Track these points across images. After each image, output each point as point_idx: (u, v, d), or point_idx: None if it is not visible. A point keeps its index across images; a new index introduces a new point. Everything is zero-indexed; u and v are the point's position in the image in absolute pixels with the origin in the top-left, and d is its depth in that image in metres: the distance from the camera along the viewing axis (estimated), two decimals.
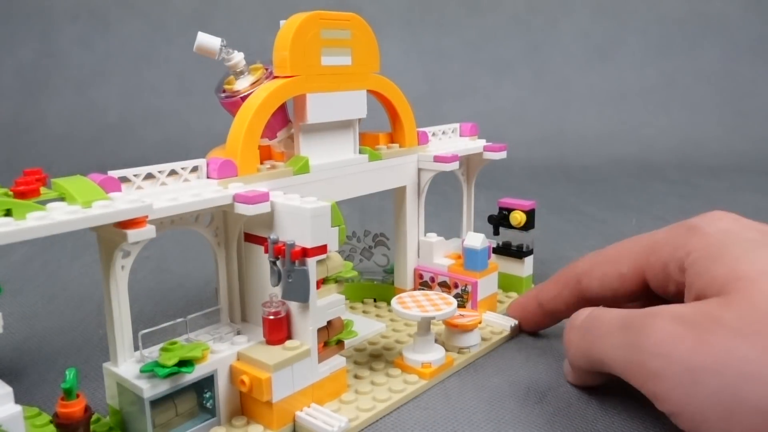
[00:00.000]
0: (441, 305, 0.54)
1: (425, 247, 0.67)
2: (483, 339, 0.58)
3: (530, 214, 0.69)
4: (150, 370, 0.42)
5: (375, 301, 0.69)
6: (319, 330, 0.47)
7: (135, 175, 0.45)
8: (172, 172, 0.47)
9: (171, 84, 1.73)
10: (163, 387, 0.42)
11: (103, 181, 0.42)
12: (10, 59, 1.77)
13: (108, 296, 0.44)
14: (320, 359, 0.48)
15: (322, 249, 0.45)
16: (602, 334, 0.45)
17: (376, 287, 0.69)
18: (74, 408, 0.41)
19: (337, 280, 0.48)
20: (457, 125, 0.72)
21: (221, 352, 0.45)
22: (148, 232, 0.41)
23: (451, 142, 0.71)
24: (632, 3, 1.93)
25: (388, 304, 0.65)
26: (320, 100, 0.55)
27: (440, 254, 0.67)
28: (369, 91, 0.60)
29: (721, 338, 0.38)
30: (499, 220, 0.71)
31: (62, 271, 0.83)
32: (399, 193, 0.65)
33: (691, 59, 1.92)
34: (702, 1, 1.94)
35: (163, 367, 0.42)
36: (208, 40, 0.53)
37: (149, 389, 0.41)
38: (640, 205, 1.21)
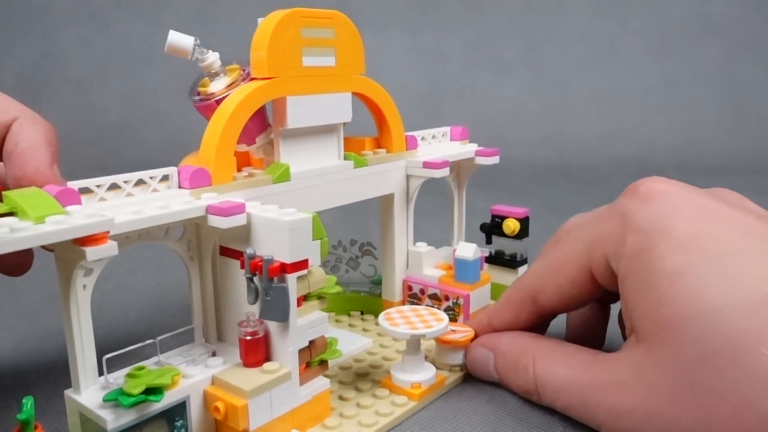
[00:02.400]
0: (431, 321, 0.49)
1: (414, 258, 0.62)
2: None
3: (524, 221, 0.64)
4: (114, 399, 0.37)
5: (362, 314, 0.64)
6: (301, 350, 0.42)
7: (98, 186, 0.40)
8: (140, 182, 0.42)
9: (171, 84, 1.69)
10: (128, 417, 0.37)
11: (60, 194, 0.37)
12: (10, 59, 1.75)
13: (68, 318, 0.39)
14: (301, 382, 0.43)
15: (303, 264, 0.41)
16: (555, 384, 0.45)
17: (363, 299, 0.65)
18: None
19: (319, 297, 0.44)
20: (447, 129, 0.67)
21: (194, 377, 0.41)
22: (109, 249, 0.35)
23: (441, 146, 0.66)
24: (632, 3, 1.91)
25: (376, 317, 0.61)
26: (301, 103, 0.50)
27: (430, 265, 0.62)
28: (354, 94, 0.55)
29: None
30: (492, 228, 0.65)
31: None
32: (386, 201, 0.60)
33: (691, 59, 1.89)
34: (702, 1, 1.91)
35: (128, 395, 0.37)
36: (180, 39, 0.48)
37: (113, 420, 0.37)
38: None
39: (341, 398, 0.47)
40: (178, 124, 1.63)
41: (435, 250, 0.63)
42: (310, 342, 0.43)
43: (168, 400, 0.39)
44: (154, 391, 0.38)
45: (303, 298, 0.42)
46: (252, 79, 0.49)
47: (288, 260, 0.40)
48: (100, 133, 1.66)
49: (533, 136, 1.74)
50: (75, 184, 0.39)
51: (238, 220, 0.41)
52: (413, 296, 0.62)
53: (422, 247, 0.62)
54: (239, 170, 0.49)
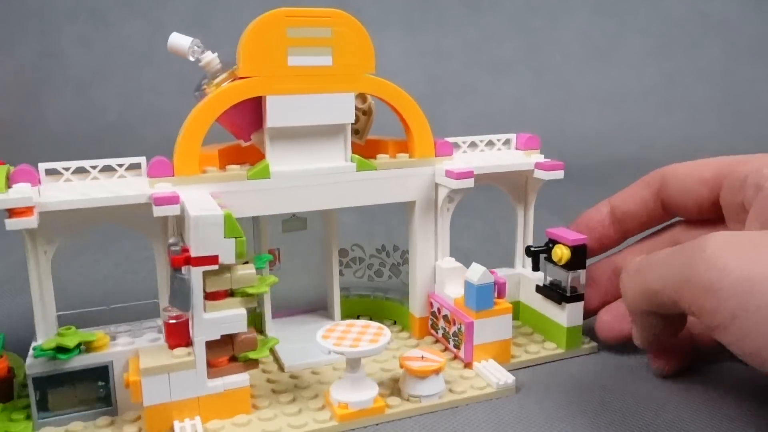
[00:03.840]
0: (364, 339, 0.46)
1: (439, 274, 0.58)
2: (454, 391, 0.50)
3: (577, 250, 0.55)
4: (36, 351, 0.44)
5: (394, 323, 0.63)
6: (222, 344, 0.44)
7: (65, 169, 0.47)
8: (107, 168, 0.48)
9: (171, 84, 1.70)
10: (46, 367, 0.44)
11: (17, 172, 0.45)
12: (10, 59, 1.76)
13: (32, 281, 0.47)
14: (215, 374, 0.45)
15: (211, 260, 0.42)
16: (656, 262, 0.44)
17: (398, 308, 0.63)
18: (2, 365, 0.46)
19: (248, 295, 0.45)
20: (512, 136, 0.61)
21: (120, 346, 0.46)
22: (27, 222, 0.42)
23: (496, 154, 0.60)
24: (632, 3, 1.91)
25: (406, 328, 0.61)
26: (284, 103, 0.51)
27: (457, 283, 0.57)
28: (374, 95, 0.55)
29: None
30: (540, 253, 0.58)
31: (61, 272, 0.82)
32: (409, 209, 0.58)
33: (691, 59, 1.89)
34: (702, 1, 1.91)
35: (42, 350, 0.44)
36: (177, 41, 0.51)
37: (31, 366, 0.44)
38: None
39: (279, 402, 0.48)
40: (178, 123, 1.63)
41: (462, 268, 0.57)
42: (234, 337, 0.45)
43: (86, 361, 0.45)
44: (62, 350, 0.44)
45: (226, 293, 0.44)
46: (239, 78, 0.51)
47: (193, 253, 0.42)
48: (99, 133, 1.67)
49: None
50: (43, 166, 0.46)
51: (170, 210, 0.44)
52: (433, 314, 0.58)
53: (448, 262, 0.58)
54: (242, 164, 0.51)
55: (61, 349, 0.44)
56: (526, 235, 0.63)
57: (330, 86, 0.52)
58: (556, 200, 1.22)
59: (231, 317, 0.44)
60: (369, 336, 0.47)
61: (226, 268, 0.43)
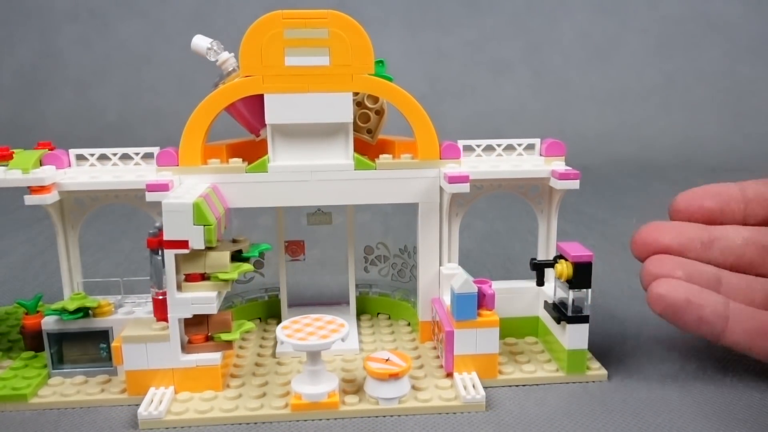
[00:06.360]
0: (318, 333, 0.47)
1: (441, 279, 0.56)
2: (418, 399, 0.48)
3: (581, 268, 0.50)
4: (47, 310, 0.52)
5: (408, 324, 0.62)
6: (198, 323, 0.49)
7: (91, 155, 0.54)
8: (126, 156, 0.54)
9: (171, 84, 1.71)
10: (58, 325, 0.51)
11: (47, 156, 0.52)
12: (9, 59, 1.79)
13: (60, 249, 0.55)
14: (190, 350, 0.49)
15: (181, 244, 0.46)
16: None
17: (411, 310, 0.62)
18: (36, 320, 0.53)
19: (222, 280, 0.48)
20: (535, 141, 0.58)
21: (120, 314, 0.52)
22: (42, 199, 0.50)
23: (506, 160, 0.57)
24: (632, 3, 1.92)
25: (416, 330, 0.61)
26: (282, 101, 0.53)
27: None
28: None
29: None
30: (545, 268, 0.54)
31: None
32: (415, 210, 0.58)
33: (691, 59, 1.90)
34: (702, 1, 1.92)
35: (51, 310, 0.51)
36: (197, 42, 0.55)
37: (46, 323, 0.51)
38: (640, 205, 1.19)
39: (251, 384, 0.50)
40: (178, 124, 1.63)
41: (464, 274, 0.54)
42: (207, 317, 0.49)
43: (90, 324, 0.51)
44: (64, 312, 0.50)
45: (200, 276, 0.48)
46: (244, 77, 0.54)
47: (164, 237, 0.46)
48: (99, 133, 1.70)
49: (533, 136, 1.73)
50: (74, 152, 0.54)
51: (161, 196, 0.48)
52: (433, 319, 0.57)
53: (449, 268, 0.56)
54: (253, 161, 0.55)
55: (65, 311, 0.50)
56: (548, 247, 0.58)
57: (327, 86, 0.53)
58: None
59: (202, 299, 0.47)
60: (325, 331, 0.47)
61: (200, 254, 0.47)
